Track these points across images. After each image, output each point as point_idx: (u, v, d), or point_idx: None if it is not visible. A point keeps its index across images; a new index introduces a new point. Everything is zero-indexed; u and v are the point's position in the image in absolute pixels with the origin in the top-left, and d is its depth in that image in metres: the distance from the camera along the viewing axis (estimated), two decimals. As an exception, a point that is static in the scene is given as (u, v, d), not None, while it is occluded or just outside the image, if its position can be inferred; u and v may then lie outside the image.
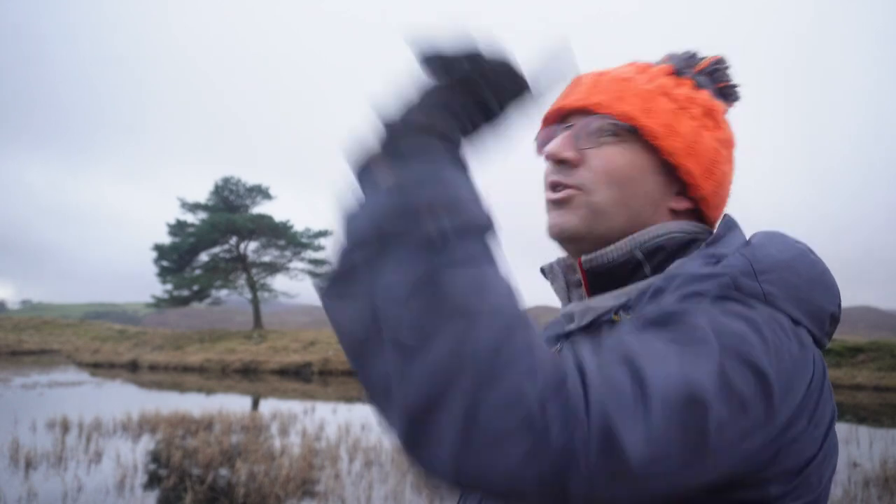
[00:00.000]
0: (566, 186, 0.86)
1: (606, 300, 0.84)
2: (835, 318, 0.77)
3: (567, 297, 0.93)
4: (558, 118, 0.92)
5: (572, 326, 0.85)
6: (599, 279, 0.86)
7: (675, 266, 0.80)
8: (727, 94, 0.96)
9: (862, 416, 14.21)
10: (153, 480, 7.79)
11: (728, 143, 0.92)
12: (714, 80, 0.95)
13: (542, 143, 0.94)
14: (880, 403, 16.78)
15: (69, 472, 7.80)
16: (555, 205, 0.88)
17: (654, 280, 0.78)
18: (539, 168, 0.97)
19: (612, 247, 0.84)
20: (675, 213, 0.88)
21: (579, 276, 0.90)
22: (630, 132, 0.85)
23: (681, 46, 1.00)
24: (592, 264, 0.85)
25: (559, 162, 0.88)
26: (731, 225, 0.85)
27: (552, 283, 0.96)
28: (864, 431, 11.38)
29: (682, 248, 0.85)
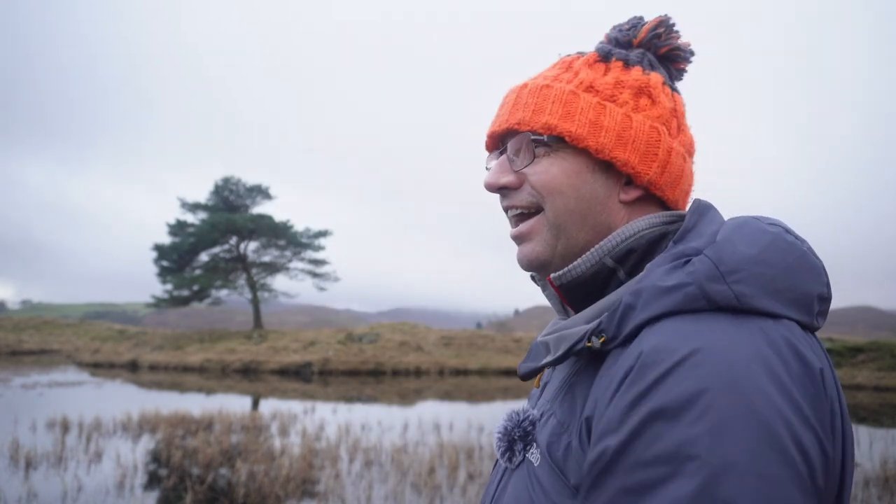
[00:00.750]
0: (517, 208, 0.88)
1: (578, 323, 0.82)
2: (823, 298, 0.76)
3: (560, 304, 0.91)
4: (495, 145, 0.93)
5: (549, 359, 0.83)
6: (574, 294, 0.85)
7: (644, 274, 0.77)
8: (672, 57, 0.94)
9: (862, 416, 14.21)
10: (153, 480, 7.79)
11: (670, 116, 0.89)
12: (655, 47, 0.92)
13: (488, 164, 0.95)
14: (880, 403, 16.78)
15: (69, 472, 7.80)
16: (516, 240, 0.89)
17: (623, 295, 0.75)
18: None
19: (578, 260, 0.83)
20: (629, 205, 0.86)
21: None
22: (557, 141, 0.84)
23: (627, 14, 0.98)
24: (563, 281, 0.84)
25: (501, 189, 0.89)
26: (701, 211, 0.82)
27: (543, 291, 0.94)
28: (864, 431, 11.38)
29: (653, 244, 0.83)
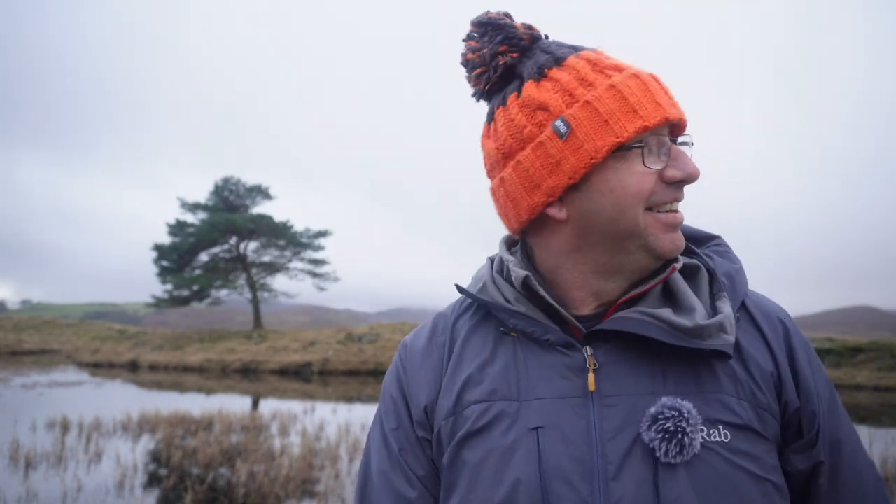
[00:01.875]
0: (679, 200, 0.90)
1: (699, 304, 0.89)
2: None
3: (525, 304, 0.93)
4: (663, 127, 0.86)
5: (731, 337, 0.85)
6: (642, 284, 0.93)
7: (719, 265, 0.95)
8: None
9: (862, 416, 14.21)
10: (153, 480, 7.79)
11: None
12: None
13: (658, 154, 0.86)
14: (880, 403, 16.78)
15: (69, 472, 7.80)
16: (678, 226, 0.89)
17: (720, 277, 0.93)
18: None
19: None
20: None
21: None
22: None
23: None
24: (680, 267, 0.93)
25: (682, 182, 0.88)
26: None
27: (514, 296, 0.96)
28: (864, 431, 11.38)
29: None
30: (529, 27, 0.93)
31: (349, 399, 17.48)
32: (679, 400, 0.83)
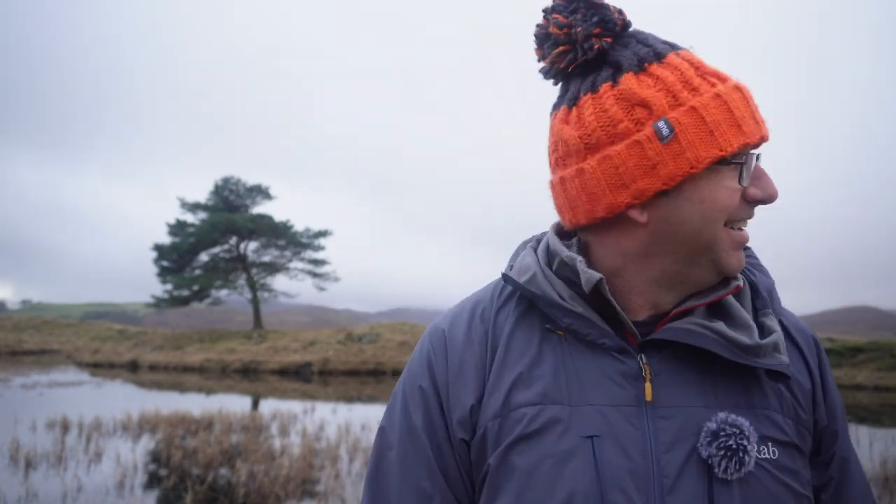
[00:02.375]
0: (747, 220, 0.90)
1: (748, 319, 0.90)
2: None
3: (584, 307, 0.89)
4: (753, 145, 0.84)
5: (785, 359, 0.87)
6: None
7: (757, 280, 0.95)
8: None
9: (862, 416, 14.21)
10: (153, 480, 7.79)
11: None
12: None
13: (748, 174, 0.84)
14: (880, 403, 16.78)
15: (69, 472, 7.80)
16: (743, 245, 0.88)
17: (762, 292, 0.94)
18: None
19: None
20: None
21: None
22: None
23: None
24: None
25: (761, 202, 0.87)
26: None
27: (573, 299, 0.91)
28: (864, 431, 11.38)
29: None
30: (621, 11, 0.88)
31: (349, 399, 17.48)
32: (736, 416, 0.82)
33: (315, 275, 39.08)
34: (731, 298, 0.91)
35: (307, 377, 24.29)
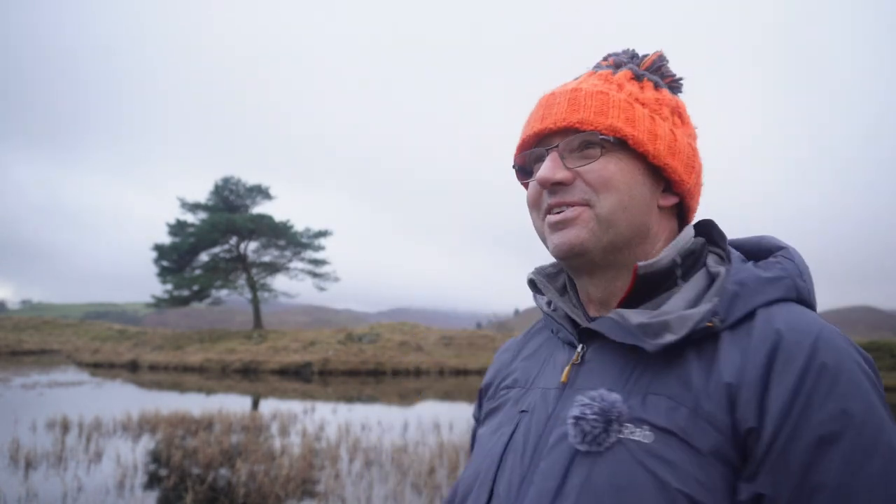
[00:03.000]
0: (568, 205, 0.91)
1: (677, 307, 0.88)
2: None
3: (563, 303, 1.01)
4: (537, 141, 0.96)
5: (671, 338, 0.84)
6: (643, 287, 0.91)
7: (734, 270, 0.90)
8: (674, 87, 1.02)
9: (862, 416, 14.23)
10: (153, 480, 7.79)
11: (694, 137, 1.00)
12: (662, 75, 1.01)
13: (523, 168, 0.99)
14: (880, 403, 16.78)
15: (69, 472, 7.80)
16: (558, 225, 0.92)
17: (724, 284, 0.88)
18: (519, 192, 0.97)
19: (664, 253, 0.91)
20: (663, 210, 0.96)
21: (581, 282, 0.98)
22: (615, 143, 0.91)
23: (617, 46, 0.94)
24: (647, 270, 0.90)
25: (555, 185, 0.92)
26: (717, 227, 0.99)
27: (545, 292, 1.04)
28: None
29: (702, 250, 0.95)
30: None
31: (349, 399, 17.48)
32: (607, 392, 0.85)
33: (315, 275, 39.10)
34: (679, 294, 0.89)
35: (307, 377, 24.28)
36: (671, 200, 0.95)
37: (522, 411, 0.96)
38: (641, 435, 0.81)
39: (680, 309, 0.87)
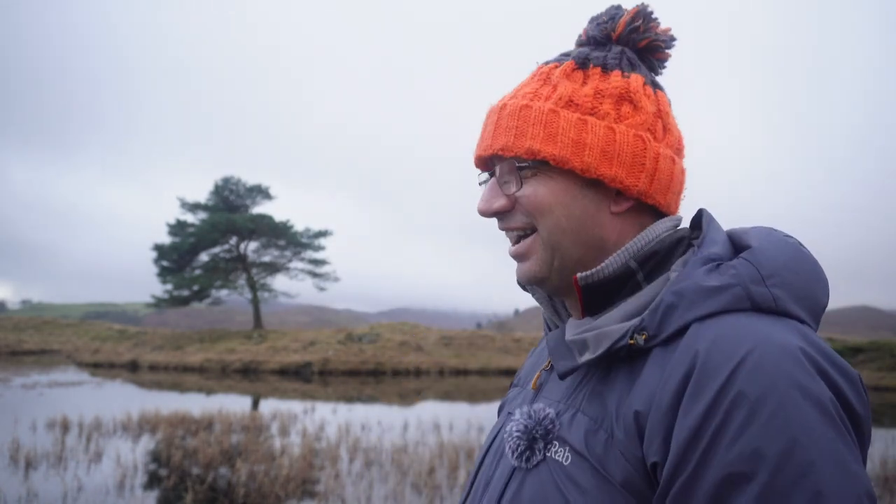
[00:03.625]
0: (513, 230, 0.90)
1: (611, 322, 0.81)
2: (825, 307, 0.82)
3: (551, 307, 0.97)
4: (484, 165, 0.93)
5: (588, 357, 0.80)
6: (594, 295, 0.85)
7: (678, 277, 0.79)
8: (652, 48, 0.92)
9: (862, 416, 14.22)
10: (153, 480, 7.79)
11: (654, 119, 0.88)
12: (633, 41, 0.91)
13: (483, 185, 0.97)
14: (880, 403, 16.80)
15: (69, 472, 7.80)
16: (516, 258, 0.91)
17: (664, 294, 0.78)
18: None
19: (607, 261, 0.84)
20: (621, 215, 0.86)
21: (571, 292, 0.90)
22: (542, 164, 0.84)
23: (603, 5, 0.93)
24: (589, 281, 0.84)
25: (494, 214, 0.90)
26: (708, 219, 0.88)
27: (533, 294, 0.99)
28: (863, 431, 11.40)
29: (672, 248, 0.86)
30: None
31: (349, 399, 17.48)
32: (544, 407, 0.86)
33: (315, 275, 39.08)
34: (627, 302, 0.83)
35: (307, 377, 24.29)
36: (624, 205, 0.86)
37: (509, 413, 0.96)
38: (563, 456, 0.79)
39: (615, 321, 0.81)
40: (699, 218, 0.90)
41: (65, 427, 10.84)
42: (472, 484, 0.96)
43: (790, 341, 0.70)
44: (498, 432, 0.97)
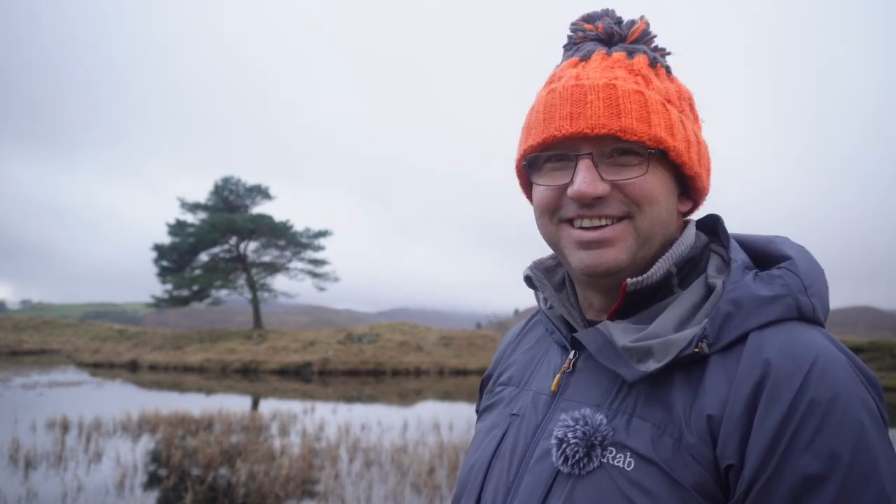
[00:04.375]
0: (607, 218, 0.84)
1: (667, 327, 0.82)
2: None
3: (560, 302, 0.96)
4: (556, 145, 0.86)
5: (654, 365, 0.79)
6: (635, 300, 0.85)
7: (730, 287, 0.82)
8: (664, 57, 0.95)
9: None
10: (153, 480, 7.79)
11: (701, 127, 0.93)
12: (655, 50, 0.93)
13: (541, 171, 0.89)
14: (880, 403, 16.77)
15: (69, 472, 7.80)
16: (592, 244, 0.85)
17: (720, 303, 0.80)
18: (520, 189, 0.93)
19: (654, 268, 0.84)
20: (680, 216, 0.91)
21: (585, 286, 0.92)
22: (655, 154, 0.83)
23: (595, 6, 0.94)
24: (638, 287, 0.84)
25: (594, 199, 0.84)
26: (723, 225, 0.93)
27: (541, 289, 0.99)
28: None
29: (701, 254, 0.89)
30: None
31: (349, 399, 17.48)
32: (593, 413, 0.82)
33: (315, 275, 39.07)
34: (671, 308, 0.84)
35: (307, 377, 24.28)
36: (688, 205, 0.90)
37: (514, 414, 0.94)
38: (624, 461, 0.78)
39: (669, 328, 0.81)
40: (712, 223, 0.94)
41: (65, 427, 10.84)
42: (479, 497, 0.91)
43: (834, 350, 0.77)
44: (504, 435, 0.93)
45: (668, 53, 0.94)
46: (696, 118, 0.91)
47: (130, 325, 54.56)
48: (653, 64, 0.89)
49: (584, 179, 0.83)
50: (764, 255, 0.88)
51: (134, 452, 9.15)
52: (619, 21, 0.93)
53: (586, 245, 0.85)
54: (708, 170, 0.90)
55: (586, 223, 0.85)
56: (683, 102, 0.89)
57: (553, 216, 0.88)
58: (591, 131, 0.82)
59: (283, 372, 25.76)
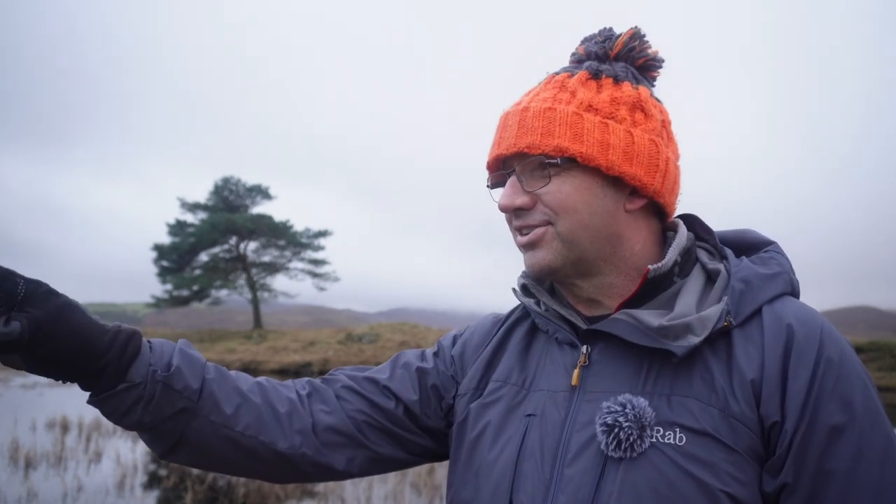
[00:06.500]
0: (531, 227, 0.93)
1: (690, 307, 0.89)
2: None
3: (558, 304, 1.00)
4: (499, 166, 0.98)
5: (694, 339, 0.85)
6: (650, 286, 0.92)
7: (734, 269, 0.92)
8: (648, 66, 1.00)
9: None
10: (153, 480, 7.79)
11: (661, 127, 0.96)
12: (632, 59, 0.98)
13: (493, 187, 1.00)
14: (880, 403, 16.76)
15: (69, 472, 7.80)
16: (526, 247, 0.95)
17: (732, 283, 0.90)
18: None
19: (668, 256, 0.92)
20: (633, 213, 0.94)
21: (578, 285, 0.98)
22: (569, 161, 0.90)
23: (596, 27, 1.01)
24: (657, 273, 0.91)
25: (516, 210, 0.94)
26: (700, 221, 1.01)
27: (538, 295, 1.03)
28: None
29: (692, 246, 0.98)
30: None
31: (349, 399, 17.47)
32: (634, 398, 0.85)
33: (315, 275, 39.11)
34: (677, 287, 0.93)
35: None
36: (638, 203, 0.94)
37: (529, 415, 0.95)
38: (675, 437, 0.83)
39: (691, 308, 0.88)
40: (689, 220, 1.02)
41: (64, 427, 10.84)
42: (511, 495, 0.90)
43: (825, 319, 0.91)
44: (524, 436, 0.93)
45: (654, 58, 0.99)
46: (643, 119, 0.94)
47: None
48: (596, 76, 0.95)
49: (505, 194, 0.94)
50: (742, 245, 1.00)
51: (134, 452, 9.15)
52: (608, 38, 0.98)
53: (524, 248, 0.96)
54: (651, 166, 0.92)
55: (523, 231, 0.95)
56: (620, 107, 0.92)
57: (511, 225, 0.98)
58: (506, 151, 0.93)
59: (283, 372, 25.76)
